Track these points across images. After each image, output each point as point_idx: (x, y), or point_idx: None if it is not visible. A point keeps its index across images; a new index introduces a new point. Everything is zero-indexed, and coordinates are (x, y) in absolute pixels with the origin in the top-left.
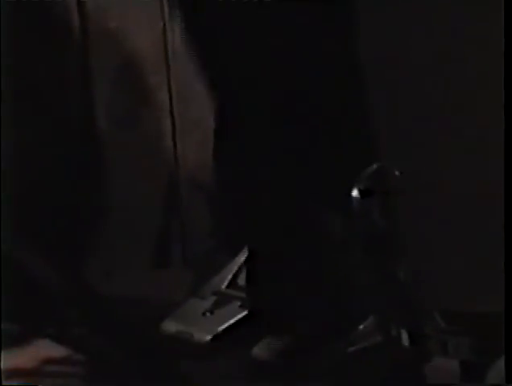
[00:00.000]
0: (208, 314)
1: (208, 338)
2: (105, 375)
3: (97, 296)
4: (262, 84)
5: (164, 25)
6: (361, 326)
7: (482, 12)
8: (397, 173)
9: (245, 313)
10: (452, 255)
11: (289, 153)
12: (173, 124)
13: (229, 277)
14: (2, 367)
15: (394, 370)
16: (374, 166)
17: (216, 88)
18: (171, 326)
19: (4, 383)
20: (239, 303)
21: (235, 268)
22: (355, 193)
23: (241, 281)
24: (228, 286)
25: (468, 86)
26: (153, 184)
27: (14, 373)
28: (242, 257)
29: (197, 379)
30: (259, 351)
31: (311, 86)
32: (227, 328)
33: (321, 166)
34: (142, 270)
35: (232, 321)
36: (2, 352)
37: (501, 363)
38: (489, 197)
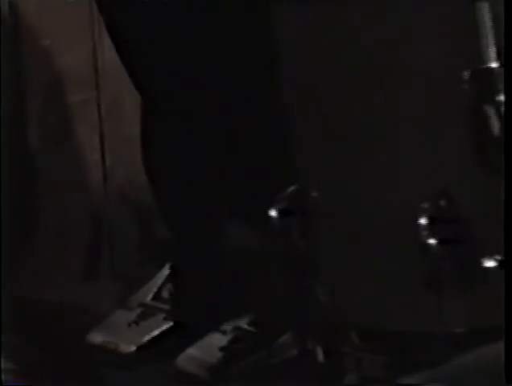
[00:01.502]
0: (133, 325)
1: (133, 348)
2: (34, 382)
3: (28, 306)
4: (187, 100)
5: (94, 44)
6: (280, 340)
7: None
8: (315, 194)
9: (169, 324)
10: (369, 275)
11: (213, 171)
12: (102, 139)
13: (155, 289)
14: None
15: (310, 383)
16: (293, 187)
17: (144, 104)
18: (97, 337)
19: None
20: (164, 315)
21: (160, 281)
22: (274, 213)
23: (166, 293)
24: (153, 298)
25: (385, 109)
26: (83, 198)
27: None
28: (167, 271)
29: None
30: (182, 361)
31: (234, 105)
32: (151, 339)
33: (243, 186)
34: (72, 282)
35: (156, 332)
36: None
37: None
38: (403, 218)
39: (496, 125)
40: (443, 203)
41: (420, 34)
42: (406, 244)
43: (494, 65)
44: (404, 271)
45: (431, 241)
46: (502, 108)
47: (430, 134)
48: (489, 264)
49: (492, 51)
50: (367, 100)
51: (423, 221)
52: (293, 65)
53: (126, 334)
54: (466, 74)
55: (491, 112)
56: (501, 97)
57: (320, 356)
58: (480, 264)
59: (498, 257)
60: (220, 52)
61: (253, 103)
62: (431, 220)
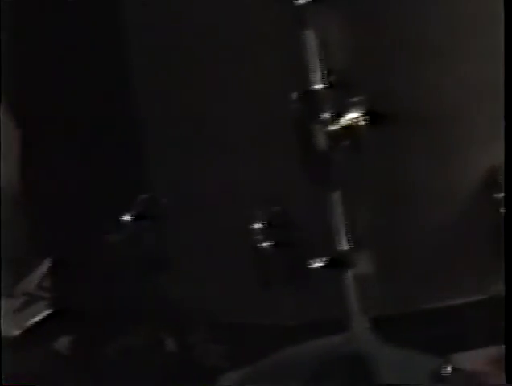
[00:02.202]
0: (17, 312)
1: (16, 333)
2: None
3: None
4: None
5: None
6: (136, 332)
7: None
8: (165, 200)
9: (50, 311)
10: (214, 273)
11: (84, 173)
12: None
13: (38, 279)
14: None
15: (163, 372)
16: (145, 195)
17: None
18: None
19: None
20: (45, 303)
21: (43, 272)
22: (128, 217)
23: (48, 283)
24: (36, 288)
25: (226, 123)
26: None
27: None
28: (49, 262)
29: (6, 371)
30: (61, 346)
31: (90, 116)
32: (34, 324)
33: (105, 189)
34: None
35: (38, 318)
36: None
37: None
38: (241, 222)
39: (321, 141)
40: (275, 209)
41: (255, 57)
42: (244, 246)
43: (319, 87)
44: (244, 270)
45: (265, 244)
46: (326, 126)
47: (265, 148)
48: (316, 265)
49: (317, 75)
50: (211, 113)
51: (257, 226)
52: (144, 75)
53: (11, 320)
54: (295, 95)
55: (316, 128)
56: (325, 115)
57: (172, 347)
58: (308, 264)
59: (324, 259)
60: (73, 59)
61: (108, 115)
62: (265, 225)
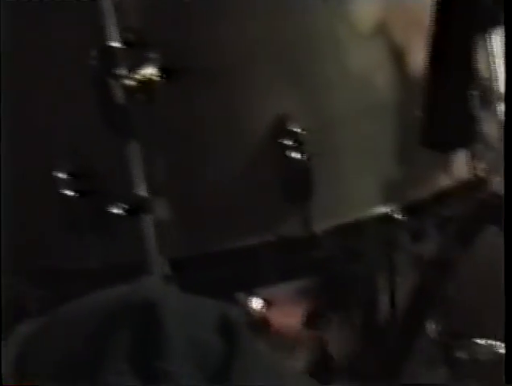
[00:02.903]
0: None
1: None
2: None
3: None
4: None
5: None
6: None
7: None
8: None
9: None
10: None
11: None
12: None
13: None
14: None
15: None
16: None
17: None
18: None
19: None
20: None
21: None
22: None
23: None
24: None
25: None
26: None
27: None
28: None
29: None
30: None
31: None
32: None
33: None
34: None
35: None
36: None
37: None
38: (46, 172)
39: (118, 94)
40: (77, 159)
41: (54, 13)
42: (49, 194)
43: (116, 44)
44: (50, 217)
45: (68, 192)
46: (123, 81)
47: (67, 101)
48: (117, 211)
49: (114, 32)
50: (18, 66)
51: (61, 175)
52: None
53: None
54: (93, 51)
55: (113, 83)
56: (122, 71)
57: None
58: (110, 211)
59: (124, 206)
60: None
61: None
62: (68, 174)
